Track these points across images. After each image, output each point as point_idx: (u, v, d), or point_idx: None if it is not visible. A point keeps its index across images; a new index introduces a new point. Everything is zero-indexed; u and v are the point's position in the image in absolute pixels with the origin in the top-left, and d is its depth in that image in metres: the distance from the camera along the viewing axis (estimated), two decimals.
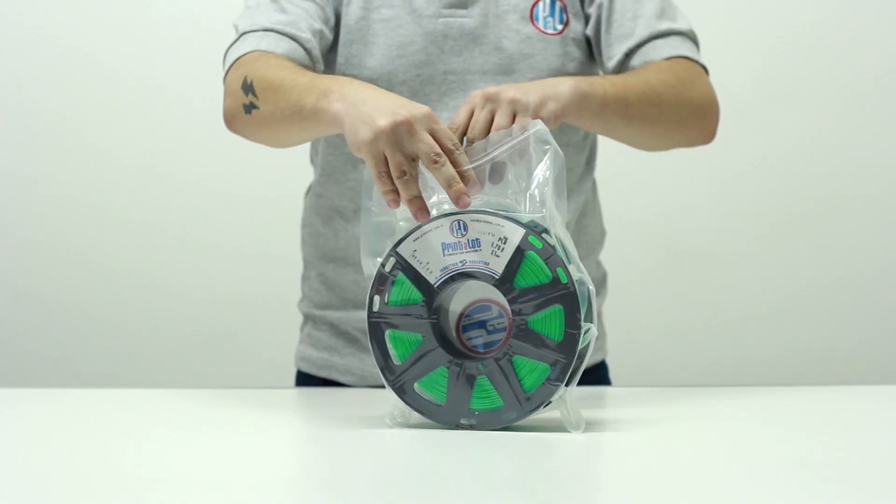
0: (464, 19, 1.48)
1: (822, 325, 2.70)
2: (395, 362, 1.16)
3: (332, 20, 1.49)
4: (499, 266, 1.11)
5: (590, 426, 1.16)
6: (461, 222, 1.12)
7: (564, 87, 1.31)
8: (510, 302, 1.12)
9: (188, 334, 2.69)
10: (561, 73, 1.49)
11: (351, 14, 1.50)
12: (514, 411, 1.13)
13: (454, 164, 1.13)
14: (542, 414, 1.15)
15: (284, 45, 1.42)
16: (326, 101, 1.23)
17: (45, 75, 2.69)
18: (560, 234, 1.14)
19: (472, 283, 1.14)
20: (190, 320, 2.69)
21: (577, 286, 1.10)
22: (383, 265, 1.15)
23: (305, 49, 1.43)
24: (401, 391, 1.16)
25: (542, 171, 1.14)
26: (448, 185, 1.12)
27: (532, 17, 1.49)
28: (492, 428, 1.14)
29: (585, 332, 1.11)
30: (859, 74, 2.69)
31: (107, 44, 2.68)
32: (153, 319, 2.69)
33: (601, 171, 1.67)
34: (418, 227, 1.14)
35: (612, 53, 1.49)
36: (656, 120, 1.42)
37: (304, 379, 1.63)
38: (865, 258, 2.70)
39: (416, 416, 1.17)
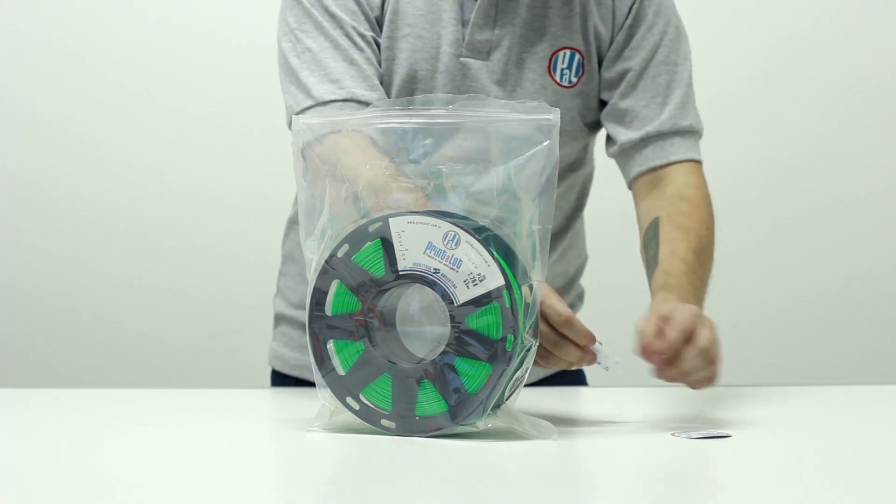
0: (483, 62, 1.47)
1: (822, 326, 2.70)
2: (339, 372, 1.15)
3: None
4: (463, 297, 1.10)
5: (574, 427, 1.16)
6: (457, 237, 1.11)
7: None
8: (452, 329, 1.11)
9: (187, 335, 2.69)
10: (573, 124, 1.50)
11: (402, 46, 1.48)
12: (459, 415, 1.11)
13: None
14: (498, 424, 1.14)
15: (363, 94, 1.40)
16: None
17: (45, 79, 2.68)
18: (536, 234, 1.13)
19: (426, 292, 1.13)
20: (189, 321, 2.69)
21: (518, 348, 1.10)
22: (337, 248, 1.14)
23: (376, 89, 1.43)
24: (346, 403, 1.15)
25: (527, 160, 1.13)
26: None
27: (550, 69, 1.49)
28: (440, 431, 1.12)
29: (526, 348, 1.11)
30: (861, 75, 2.69)
31: (107, 48, 2.68)
32: (152, 320, 2.69)
33: (601, 169, 1.67)
34: (417, 213, 1.13)
35: (628, 135, 1.50)
36: (709, 271, 1.46)
37: (278, 378, 1.63)
38: (866, 259, 2.69)
39: (340, 421, 1.16)
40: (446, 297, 1.11)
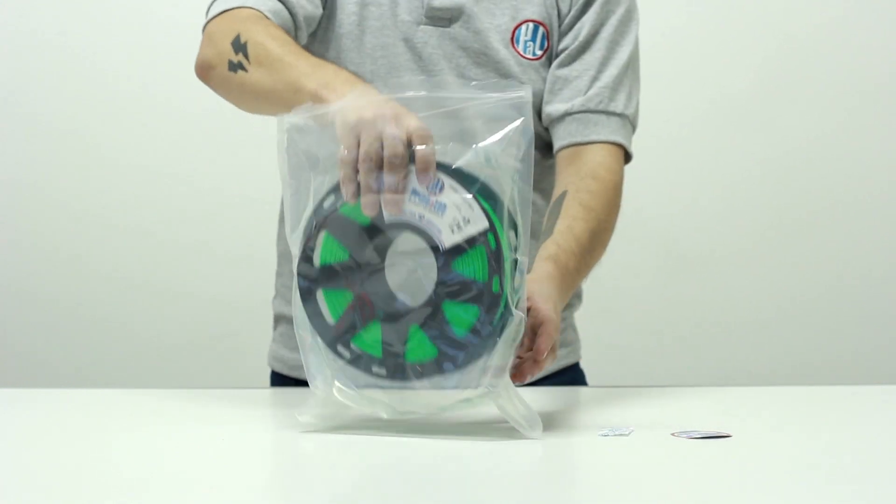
0: (445, 29, 1.49)
1: (821, 326, 2.70)
2: (329, 321, 1.15)
3: None
4: (449, 241, 1.11)
5: (570, 427, 1.16)
6: (440, 182, 1.11)
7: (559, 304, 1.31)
8: (439, 274, 1.11)
9: (187, 335, 2.69)
10: (536, 96, 1.50)
11: (346, 8, 1.50)
12: (449, 360, 1.12)
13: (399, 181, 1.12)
14: (485, 408, 1.13)
15: (271, 5, 1.41)
16: (328, 92, 1.23)
17: (45, 79, 2.69)
18: (517, 213, 1.13)
19: (412, 238, 1.13)
20: (189, 321, 2.69)
21: (504, 293, 1.10)
22: (324, 199, 1.14)
23: (292, 14, 1.43)
24: (337, 351, 1.15)
25: (505, 136, 1.13)
26: (388, 188, 1.11)
27: (513, 40, 1.50)
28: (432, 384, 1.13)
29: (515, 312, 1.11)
30: (860, 75, 2.69)
31: (107, 48, 2.68)
32: (152, 320, 2.69)
33: None
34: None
35: (556, 106, 1.50)
36: (599, 256, 1.46)
37: (278, 379, 1.63)
38: (865, 259, 2.69)
39: (329, 421, 1.16)
40: (432, 243, 1.11)
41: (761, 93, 2.68)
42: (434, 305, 1.12)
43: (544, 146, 1.54)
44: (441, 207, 1.11)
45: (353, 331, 1.14)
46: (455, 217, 1.11)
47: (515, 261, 1.13)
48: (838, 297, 2.70)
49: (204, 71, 1.42)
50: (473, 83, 1.16)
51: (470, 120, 1.14)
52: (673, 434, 1.13)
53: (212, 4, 1.46)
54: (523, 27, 1.50)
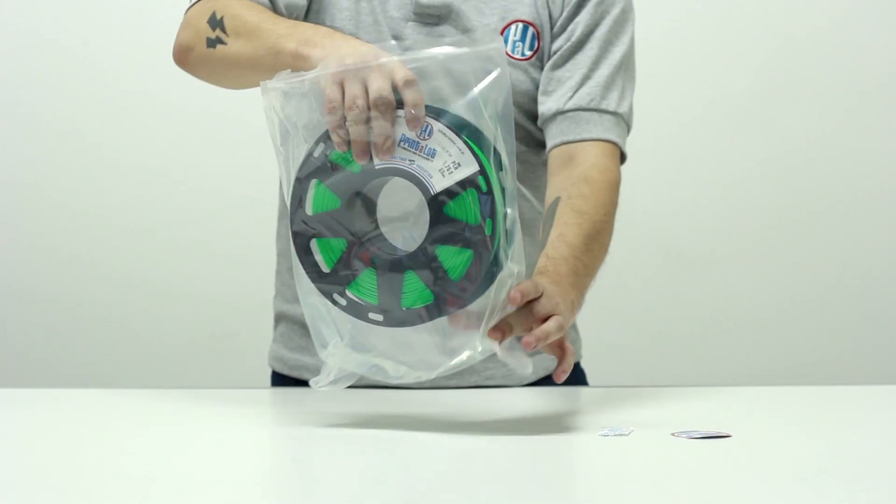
0: (433, 27, 1.49)
1: (821, 326, 2.70)
2: (324, 270, 1.16)
3: None
4: (439, 185, 1.11)
5: (568, 425, 1.16)
6: (429, 127, 1.12)
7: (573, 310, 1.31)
8: (431, 219, 1.12)
9: (187, 335, 2.69)
10: (526, 97, 1.50)
11: (340, 4, 1.50)
12: (446, 305, 1.12)
13: (387, 126, 1.12)
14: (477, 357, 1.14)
15: None
16: (308, 48, 1.23)
17: (45, 79, 2.68)
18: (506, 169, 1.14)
19: (402, 184, 1.13)
20: (189, 321, 2.69)
21: (497, 236, 1.11)
22: (313, 148, 1.14)
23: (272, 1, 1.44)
24: (333, 299, 1.15)
25: (483, 88, 1.13)
26: (377, 135, 1.12)
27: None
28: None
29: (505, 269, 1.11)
30: (861, 75, 2.69)
31: (107, 48, 2.68)
32: (153, 320, 2.69)
33: None
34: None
35: (548, 105, 1.50)
36: (601, 256, 1.45)
37: (278, 379, 1.63)
38: (865, 259, 2.69)
39: (343, 380, 1.17)
40: (423, 188, 1.11)
41: (761, 93, 2.68)
42: (428, 251, 1.12)
43: (537, 144, 1.54)
44: (431, 152, 1.12)
45: (349, 278, 1.15)
46: (445, 161, 1.11)
47: (505, 214, 1.13)
48: (838, 297, 2.70)
49: (182, 54, 1.43)
50: (446, 39, 1.16)
51: (445, 77, 1.14)
52: (673, 434, 1.13)
53: None
54: (513, 27, 1.50)
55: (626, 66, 1.54)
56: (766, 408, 1.38)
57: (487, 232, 1.10)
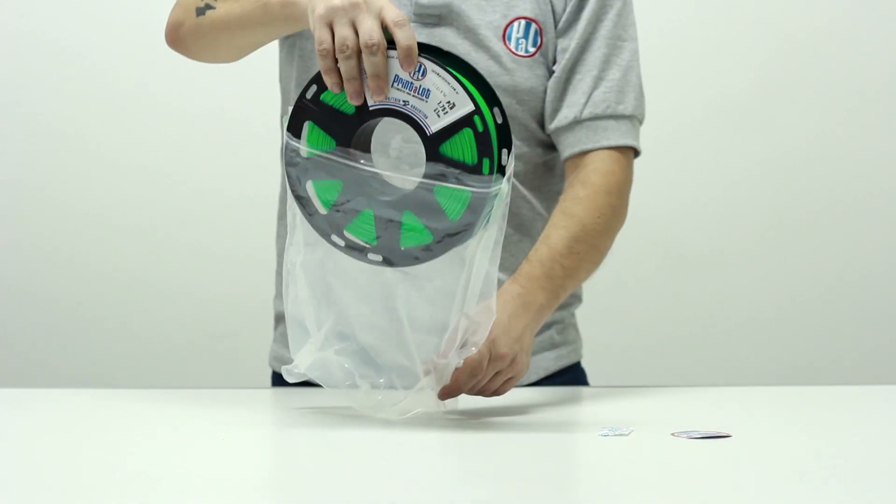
0: (434, 28, 1.48)
1: (821, 326, 2.70)
2: (321, 212, 1.15)
3: None
4: (435, 126, 1.11)
5: (569, 425, 1.16)
6: (423, 67, 1.11)
7: (528, 335, 1.33)
8: (428, 159, 1.12)
9: (187, 335, 2.69)
10: (530, 94, 1.50)
11: None
12: (443, 244, 1.12)
13: (380, 64, 1.12)
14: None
15: None
16: None
17: (45, 79, 2.68)
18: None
19: (397, 125, 1.13)
20: (189, 321, 2.69)
21: (494, 171, 1.11)
22: (305, 89, 1.14)
23: None
24: (332, 240, 1.15)
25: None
26: (370, 74, 1.12)
27: (504, 37, 1.49)
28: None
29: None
30: (860, 75, 2.69)
31: (107, 48, 2.68)
32: (152, 320, 2.69)
33: None
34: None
35: (564, 112, 1.49)
36: (590, 259, 1.45)
37: (278, 379, 1.62)
38: (865, 259, 2.69)
39: (319, 362, 1.19)
40: (418, 128, 1.11)
41: (761, 93, 2.68)
42: (425, 191, 1.12)
43: (538, 144, 1.53)
44: (425, 92, 1.11)
45: (346, 219, 1.15)
46: (440, 101, 1.11)
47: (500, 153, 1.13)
48: (838, 297, 2.70)
49: (174, 32, 1.44)
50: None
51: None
52: (673, 434, 1.13)
53: None
54: (515, 24, 1.49)
55: (636, 61, 1.53)
56: (766, 408, 1.38)
57: (485, 171, 1.10)
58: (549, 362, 1.57)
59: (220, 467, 1.03)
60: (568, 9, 1.50)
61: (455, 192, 1.11)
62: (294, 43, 1.54)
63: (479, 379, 1.25)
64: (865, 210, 2.69)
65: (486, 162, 1.10)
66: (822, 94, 2.68)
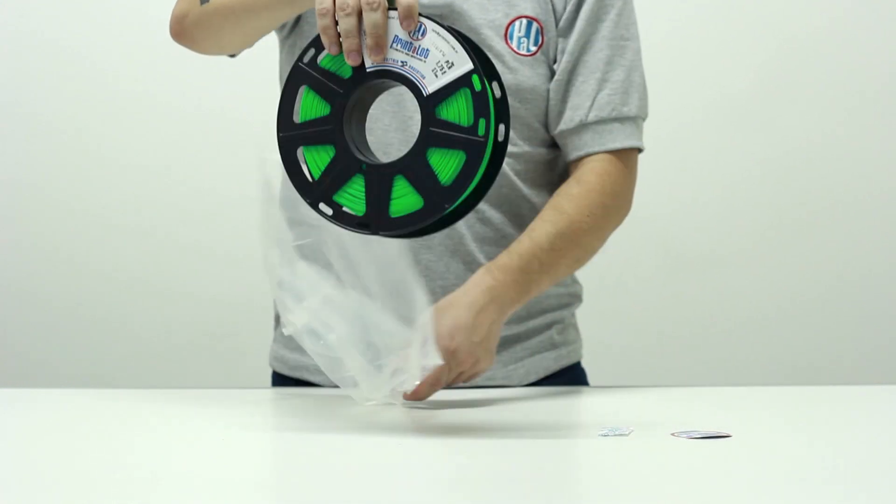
0: None
1: (821, 326, 2.70)
2: (310, 179, 1.13)
3: None
4: (432, 86, 1.09)
5: (570, 426, 1.16)
6: (423, 27, 1.10)
7: (493, 333, 1.37)
8: (423, 121, 1.10)
9: (187, 335, 2.69)
10: (533, 93, 1.50)
11: None
12: (435, 211, 1.09)
13: (381, 24, 1.10)
14: None
15: None
16: None
17: (45, 79, 2.68)
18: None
19: (394, 86, 1.12)
20: (189, 321, 2.69)
21: (490, 137, 1.09)
22: (303, 54, 1.13)
23: None
24: (320, 209, 1.13)
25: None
26: (369, 32, 1.10)
27: (506, 36, 1.49)
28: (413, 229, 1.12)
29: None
30: (861, 76, 2.69)
31: (107, 48, 2.68)
32: (152, 320, 2.69)
33: None
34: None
35: (568, 115, 1.50)
36: (574, 256, 1.46)
37: (278, 379, 1.62)
38: (865, 259, 2.69)
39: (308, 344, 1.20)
40: (415, 89, 1.10)
41: (761, 93, 2.68)
42: (418, 153, 1.10)
43: (540, 143, 1.53)
44: (424, 52, 1.10)
45: (336, 186, 1.12)
46: (438, 60, 1.09)
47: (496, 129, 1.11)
48: (838, 297, 2.70)
49: (178, 23, 1.43)
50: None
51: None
52: (673, 434, 1.13)
53: None
54: (517, 23, 1.49)
55: (639, 60, 1.53)
56: (766, 408, 1.38)
57: (480, 133, 1.08)
58: (549, 362, 1.57)
59: (220, 467, 1.03)
60: (568, 8, 1.50)
61: (449, 155, 1.09)
62: (295, 42, 1.54)
63: (441, 385, 1.31)
64: (865, 210, 2.69)
65: (481, 122, 1.08)
66: (821, 94, 2.68)
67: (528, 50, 1.50)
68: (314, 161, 1.13)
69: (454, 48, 1.09)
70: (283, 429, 1.22)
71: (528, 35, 1.50)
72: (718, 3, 2.68)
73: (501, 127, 1.11)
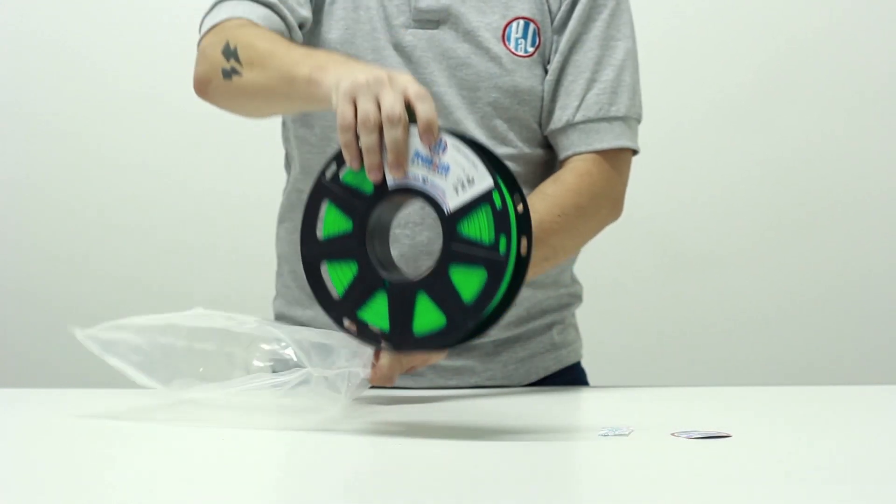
0: (433, 31, 1.48)
1: (821, 326, 2.70)
2: (335, 296, 1.14)
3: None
4: (453, 203, 1.09)
5: (572, 428, 1.16)
6: (443, 142, 1.09)
7: None
8: (444, 238, 1.10)
9: None
10: (531, 94, 1.50)
11: (335, 13, 1.50)
12: (458, 329, 1.09)
13: (401, 141, 1.11)
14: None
15: (260, 12, 1.41)
16: (322, 73, 1.22)
17: (45, 79, 2.68)
18: None
19: (415, 203, 1.12)
20: None
21: (512, 255, 1.08)
22: (325, 169, 1.13)
23: (282, 17, 1.43)
24: (344, 326, 1.13)
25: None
26: (390, 149, 1.10)
27: (504, 38, 1.49)
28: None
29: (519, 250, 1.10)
30: (861, 76, 2.69)
31: (107, 48, 2.68)
32: None
33: None
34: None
35: (557, 115, 1.50)
36: (546, 258, 1.45)
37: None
38: (865, 259, 2.69)
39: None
40: (437, 206, 1.10)
41: (761, 93, 2.68)
42: (440, 270, 1.10)
43: (539, 144, 1.53)
44: (444, 168, 1.09)
45: (360, 303, 1.13)
46: (459, 177, 1.09)
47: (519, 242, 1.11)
48: (838, 297, 2.70)
49: (202, 87, 1.44)
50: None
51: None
52: (673, 434, 1.13)
53: (204, 20, 1.47)
54: (514, 24, 1.49)
55: (630, 61, 1.52)
56: (766, 408, 1.38)
57: (501, 251, 1.08)
58: (550, 363, 1.57)
59: (221, 467, 1.03)
60: (562, 8, 1.50)
61: (471, 272, 1.09)
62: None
63: (394, 378, 1.29)
64: (865, 210, 2.69)
65: (502, 240, 1.08)
66: (821, 94, 2.68)
67: (526, 51, 1.50)
68: (338, 277, 1.14)
69: (474, 164, 1.08)
70: (283, 429, 1.22)
71: (525, 36, 1.50)
72: (718, 3, 2.68)
73: (524, 240, 1.11)
